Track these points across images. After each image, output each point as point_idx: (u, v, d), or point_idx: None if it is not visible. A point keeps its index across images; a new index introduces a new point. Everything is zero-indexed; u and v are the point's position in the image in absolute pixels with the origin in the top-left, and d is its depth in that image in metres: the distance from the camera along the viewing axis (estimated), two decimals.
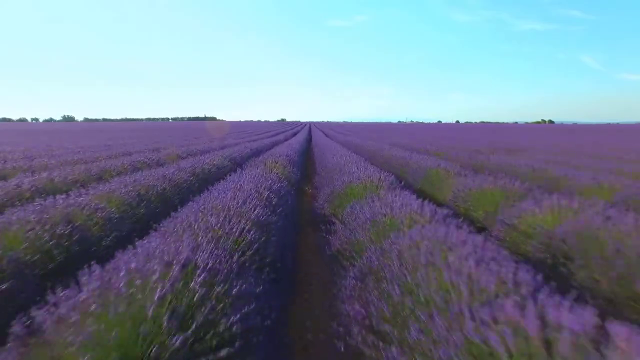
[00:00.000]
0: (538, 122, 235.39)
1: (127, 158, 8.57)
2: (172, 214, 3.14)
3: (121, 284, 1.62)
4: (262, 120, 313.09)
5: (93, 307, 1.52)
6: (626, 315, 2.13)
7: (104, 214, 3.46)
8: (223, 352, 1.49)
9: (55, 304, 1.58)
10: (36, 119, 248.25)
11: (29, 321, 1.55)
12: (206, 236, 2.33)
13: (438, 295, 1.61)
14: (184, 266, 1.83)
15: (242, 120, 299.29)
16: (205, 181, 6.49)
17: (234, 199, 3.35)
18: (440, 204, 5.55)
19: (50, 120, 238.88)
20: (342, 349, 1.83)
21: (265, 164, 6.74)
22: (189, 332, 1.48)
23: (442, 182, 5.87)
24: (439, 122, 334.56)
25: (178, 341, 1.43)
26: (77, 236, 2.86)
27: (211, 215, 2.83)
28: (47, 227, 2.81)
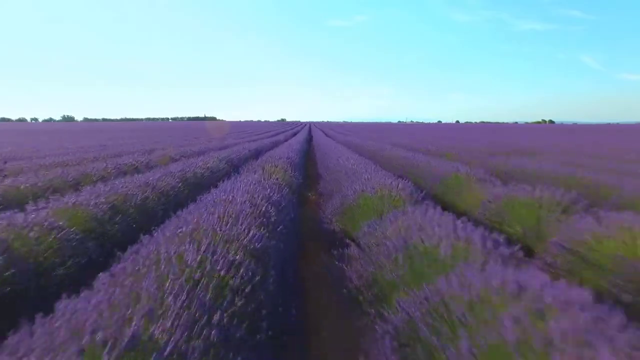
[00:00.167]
0: (538, 122, 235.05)
1: (115, 160, 7.87)
2: (142, 237, 2.45)
3: None
4: (262, 120, 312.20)
5: None
6: None
7: (61, 234, 2.76)
8: None
9: None
10: (35, 119, 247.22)
11: None
12: (177, 282, 1.63)
13: None
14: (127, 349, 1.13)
15: (242, 120, 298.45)
16: (197, 187, 5.80)
17: (223, 218, 2.66)
18: (460, 214, 4.87)
19: (50, 120, 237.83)
20: None
21: (264, 168, 6.05)
22: None
23: (463, 189, 5.17)
24: (439, 122, 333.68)
25: None
26: (11, 271, 2.16)
27: (190, 242, 2.14)
28: None
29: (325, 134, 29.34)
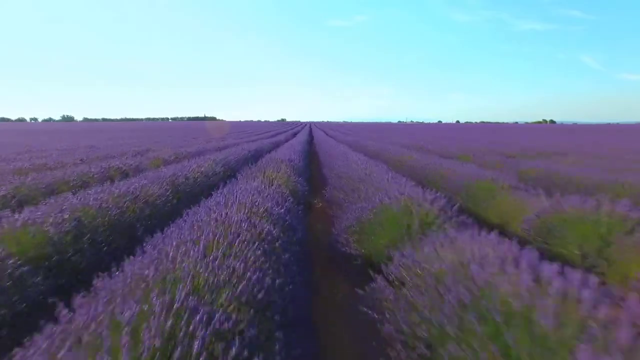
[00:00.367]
0: (539, 122, 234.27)
1: (101, 163, 7.16)
2: (97, 281, 1.76)
3: None
4: (262, 120, 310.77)
5: None
6: None
7: None
8: None
9: None
10: (35, 119, 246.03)
11: None
12: None
13: None
14: None
15: (242, 120, 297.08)
16: (189, 196, 5.11)
17: (212, 248, 1.97)
18: (492, 227, 4.18)
19: (50, 120, 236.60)
20: None
21: (265, 173, 5.35)
22: None
23: (495, 200, 4.48)
24: (439, 122, 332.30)
25: None
26: None
27: (158, 296, 1.45)
28: None
29: (326, 133, 28.75)
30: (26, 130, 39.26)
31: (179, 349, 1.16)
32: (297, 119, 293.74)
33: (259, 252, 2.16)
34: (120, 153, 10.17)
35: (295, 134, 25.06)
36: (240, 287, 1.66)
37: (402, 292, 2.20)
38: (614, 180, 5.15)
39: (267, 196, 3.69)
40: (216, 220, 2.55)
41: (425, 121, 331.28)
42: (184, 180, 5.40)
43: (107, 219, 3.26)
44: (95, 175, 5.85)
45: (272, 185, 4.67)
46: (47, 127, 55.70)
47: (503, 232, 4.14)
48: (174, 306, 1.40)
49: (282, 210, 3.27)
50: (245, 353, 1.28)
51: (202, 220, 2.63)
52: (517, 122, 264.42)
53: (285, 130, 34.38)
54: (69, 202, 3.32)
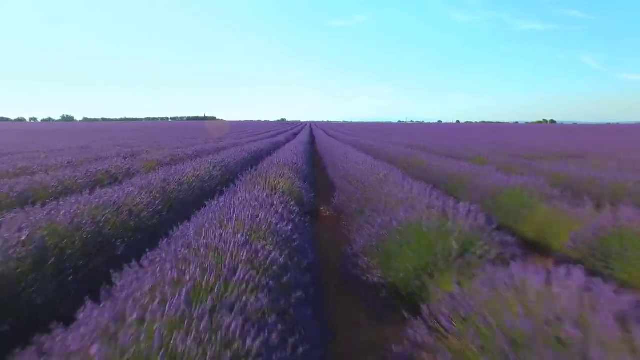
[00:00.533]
0: (539, 122, 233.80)
1: (89, 166, 6.61)
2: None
3: None
4: (262, 120, 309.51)
5: None
6: None
7: None
8: None
9: None
10: (34, 119, 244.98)
11: None
12: None
13: None
14: None
15: (242, 120, 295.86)
16: (181, 203, 4.57)
17: (199, 295, 1.43)
18: (528, 245, 3.65)
19: (49, 120, 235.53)
20: None
21: (267, 179, 4.81)
22: None
23: (532, 211, 3.91)
24: (440, 122, 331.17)
25: None
26: None
27: None
28: None
29: (327, 133, 28.34)
30: (25, 130, 38.78)
31: None
32: (297, 119, 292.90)
33: (262, 294, 1.61)
34: (113, 154, 9.62)
35: (295, 134, 24.50)
36: None
37: (450, 342, 1.67)
38: None
39: (270, 208, 3.15)
40: (209, 248, 2.00)
41: (426, 121, 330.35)
42: (176, 186, 4.85)
43: (77, 237, 2.71)
44: (80, 181, 5.29)
45: (274, 192, 4.13)
46: (46, 127, 55.21)
47: (542, 250, 3.61)
48: None
49: (289, 227, 2.72)
50: None
51: (190, 245, 2.08)
52: (517, 122, 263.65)
53: (285, 130, 33.83)
54: (33, 217, 2.77)
